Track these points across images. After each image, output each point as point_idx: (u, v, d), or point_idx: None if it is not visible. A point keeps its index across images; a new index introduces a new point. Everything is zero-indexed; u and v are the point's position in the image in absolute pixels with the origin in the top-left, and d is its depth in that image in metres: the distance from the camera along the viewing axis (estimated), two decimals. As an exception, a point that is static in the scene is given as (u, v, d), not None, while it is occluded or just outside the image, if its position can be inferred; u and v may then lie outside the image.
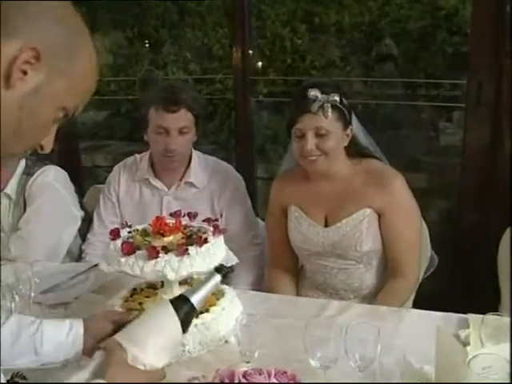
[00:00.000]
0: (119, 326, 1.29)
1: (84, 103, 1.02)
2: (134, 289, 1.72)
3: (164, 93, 2.32)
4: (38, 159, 2.65)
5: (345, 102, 2.04)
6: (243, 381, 1.15)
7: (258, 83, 4.43)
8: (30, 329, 1.28)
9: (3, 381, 1.02)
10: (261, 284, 2.44)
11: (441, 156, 4.14)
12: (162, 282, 1.67)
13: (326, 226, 2.12)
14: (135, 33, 5.05)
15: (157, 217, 1.62)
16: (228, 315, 1.58)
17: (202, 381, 1.26)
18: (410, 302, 2.19)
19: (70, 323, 1.31)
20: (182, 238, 1.59)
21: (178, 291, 1.62)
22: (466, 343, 1.57)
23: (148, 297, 1.68)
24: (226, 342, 1.58)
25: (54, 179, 2.53)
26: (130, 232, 1.66)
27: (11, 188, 2.50)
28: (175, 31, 4.93)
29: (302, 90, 2.02)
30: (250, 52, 3.34)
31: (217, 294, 1.66)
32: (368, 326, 1.38)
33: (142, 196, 2.51)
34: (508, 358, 1.14)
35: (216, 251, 1.57)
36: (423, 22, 4.08)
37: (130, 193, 2.53)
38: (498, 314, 1.45)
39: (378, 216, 2.07)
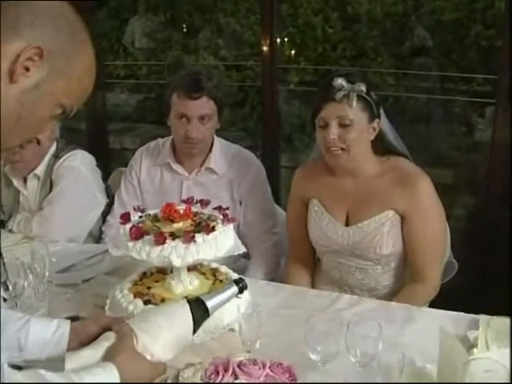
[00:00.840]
0: (106, 331, 1.29)
1: (80, 104, 1.07)
2: (144, 273, 1.74)
3: (187, 79, 2.31)
4: (67, 142, 2.70)
5: (373, 94, 2.00)
6: (237, 370, 1.15)
7: (289, 72, 4.42)
8: (16, 324, 1.29)
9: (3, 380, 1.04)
10: (276, 273, 2.44)
11: (470, 152, 4.05)
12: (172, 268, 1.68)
13: (347, 224, 2.07)
14: (168, 17, 5.06)
15: (167, 203, 1.63)
16: (233, 303, 1.58)
17: (198, 367, 1.27)
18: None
19: (57, 323, 1.31)
20: (191, 225, 1.60)
21: (186, 277, 1.64)
22: (474, 345, 1.54)
23: (157, 281, 1.69)
24: (232, 330, 1.58)
25: (80, 163, 2.57)
26: (140, 217, 1.67)
27: (41, 169, 2.56)
28: (208, 16, 4.92)
29: (329, 79, 1.97)
30: (278, 40, 3.32)
31: (225, 282, 1.66)
32: (371, 322, 1.37)
33: (163, 180, 2.53)
34: (506, 365, 1.11)
35: (224, 240, 1.57)
36: (458, 14, 3.97)
37: (151, 176, 2.54)
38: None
39: (400, 219, 2.00)
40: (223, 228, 1.59)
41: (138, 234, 1.51)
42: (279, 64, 3.53)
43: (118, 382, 1.10)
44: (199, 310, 1.30)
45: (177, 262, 1.49)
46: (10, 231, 2.52)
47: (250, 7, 4.70)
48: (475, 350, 1.50)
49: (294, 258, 2.28)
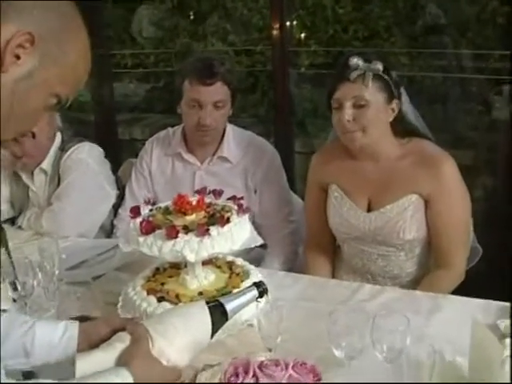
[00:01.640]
0: (118, 332, 1.22)
1: (76, 93, 1.02)
2: (157, 268, 1.67)
3: (199, 65, 2.23)
4: (74, 134, 2.64)
5: (393, 73, 1.91)
6: (258, 372, 1.08)
7: (299, 55, 4.32)
8: (21, 329, 1.22)
9: (3, 380, 0.98)
10: (295, 262, 2.39)
11: (488, 131, 3.93)
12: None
13: (369, 210, 1.99)
14: (175, 4, 4.97)
15: (179, 194, 1.55)
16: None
17: (216, 369, 1.20)
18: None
19: (64, 325, 1.25)
20: (204, 216, 1.52)
21: (201, 272, 1.58)
22: (505, 335, 1.46)
23: (171, 276, 1.63)
24: (251, 325, 1.51)
25: (87, 155, 2.51)
26: (151, 210, 1.61)
27: (47, 163, 2.51)
28: (215, 1, 4.83)
29: (345, 58, 1.89)
30: (288, 23, 3.23)
31: (241, 276, 1.59)
32: (397, 314, 1.29)
33: (174, 171, 2.46)
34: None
35: (239, 231, 1.50)
36: (473, -11, 3.86)
37: (162, 167, 2.48)
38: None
39: (424, 203, 1.93)
40: (238, 219, 1.52)
41: (148, 228, 1.44)
42: (290, 47, 3.44)
43: None
44: (218, 313, 1.22)
45: (191, 257, 1.42)
46: (20, 228, 2.47)
47: (258, -9, 4.60)
48: (507, 340, 1.42)
49: (312, 246, 2.21)
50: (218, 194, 1.67)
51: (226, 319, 1.24)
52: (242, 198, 1.63)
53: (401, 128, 1.96)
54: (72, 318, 1.37)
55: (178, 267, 1.66)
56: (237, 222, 1.50)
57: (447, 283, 1.94)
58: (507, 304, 1.61)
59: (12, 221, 2.57)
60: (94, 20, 3.90)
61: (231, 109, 2.31)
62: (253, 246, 1.55)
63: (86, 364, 1.11)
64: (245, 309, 1.44)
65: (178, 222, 1.50)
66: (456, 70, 3.93)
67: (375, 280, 2.05)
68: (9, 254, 1.84)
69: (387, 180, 1.96)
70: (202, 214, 1.55)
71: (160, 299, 1.49)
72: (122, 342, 1.15)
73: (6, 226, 2.47)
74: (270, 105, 4.32)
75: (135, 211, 1.57)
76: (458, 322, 1.52)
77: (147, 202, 1.65)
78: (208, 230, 1.43)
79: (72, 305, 1.71)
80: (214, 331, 1.21)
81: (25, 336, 1.21)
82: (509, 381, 1.07)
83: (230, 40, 4.75)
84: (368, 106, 1.85)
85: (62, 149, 2.51)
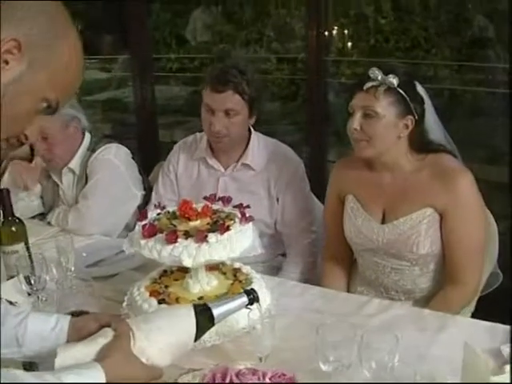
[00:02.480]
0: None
1: (67, 97, 1.02)
2: (165, 271, 1.71)
3: (215, 73, 2.27)
4: (104, 136, 2.71)
5: (418, 88, 1.89)
6: (234, 379, 1.10)
7: (340, 64, 4.30)
8: (15, 319, 1.27)
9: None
10: (313, 272, 2.38)
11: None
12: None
13: (383, 222, 1.98)
14: (219, 10, 5.03)
15: (183, 200, 1.58)
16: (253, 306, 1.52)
17: (197, 373, 1.22)
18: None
19: (56, 318, 1.30)
20: (208, 223, 1.55)
21: (204, 277, 1.60)
22: (508, 361, 1.42)
23: (177, 280, 1.65)
24: (248, 332, 1.52)
25: (114, 156, 2.58)
26: (159, 214, 1.64)
27: (75, 163, 2.59)
28: (259, 9, 4.86)
29: (369, 69, 1.90)
30: (327, 33, 3.22)
31: (244, 283, 1.61)
32: (387, 334, 1.28)
33: (200, 175, 2.49)
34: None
35: (240, 240, 1.51)
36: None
37: (188, 171, 2.51)
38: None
39: (439, 217, 1.90)
40: (240, 228, 1.53)
41: (150, 231, 1.48)
42: (328, 57, 3.44)
43: (104, 382, 1.07)
44: (204, 318, 1.24)
45: (188, 262, 1.45)
46: (49, 224, 2.56)
47: (300, -2, 4.61)
48: (507, 367, 1.39)
49: (329, 256, 2.20)
50: (226, 201, 1.69)
51: (213, 324, 1.26)
52: (247, 206, 1.64)
53: (420, 144, 1.93)
54: (71, 313, 1.42)
55: (185, 271, 1.68)
56: (238, 230, 1.51)
57: (459, 300, 1.91)
58: (513, 328, 1.58)
59: (43, 216, 2.67)
60: (139, 23, 4.01)
61: (250, 118, 2.32)
62: (252, 254, 1.56)
63: (67, 356, 1.15)
64: (242, 316, 1.47)
65: (182, 226, 1.53)
66: (499, 84, 3.83)
67: (388, 294, 2.03)
68: (28, 248, 1.92)
69: (403, 192, 1.94)
70: (207, 220, 1.57)
71: (160, 301, 1.52)
72: (104, 338, 1.18)
73: (35, 221, 2.59)
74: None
75: (143, 214, 1.61)
76: (461, 343, 1.48)
77: (157, 206, 1.69)
78: (206, 236, 1.45)
79: (84, 300, 1.77)
80: (200, 334, 1.23)
81: (18, 326, 1.26)
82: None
83: (273, 47, 4.77)
84: (377, 118, 1.85)
85: (91, 149, 2.58)
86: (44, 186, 2.69)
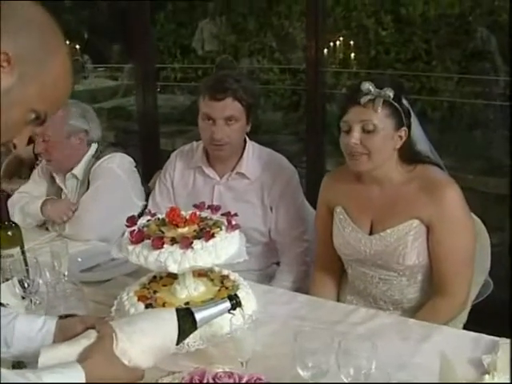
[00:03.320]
0: None
1: (56, 109, 1.05)
2: (154, 276, 1.74)
3: (212, 81, 2.31)
4: (110, 145, 2.75)
5: (405, 102, 1.93)
6: (211, 382, 1.13)
7: (341, 75, 4.34)
8: (3, 320, 1.30)
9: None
10: (305, 281, 2.40)
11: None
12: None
13: (371, 233, 2.01)
14: (223, 20, 5.09)
15: (171, 207, 1.62)
16: (236, 311, 1.55)
17: (177, 376, 1.25)
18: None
19: (43, 320, 1.33)
20: (195, 230, 1.58)
21: (191, 283, 1.63)
22: (487, 371, 1.44)
23: (165, 285, 1.69)
24: (233, 338, 1.55)
25: (117, 166, 2.61)
26: (148, 220, 1.67)
27: (79, 169, 2.63)
28: (262, 19, 4.91)
29: (358, 83, 1.91)
30: (329, 44, 3.27)
31: (230, 290, 1.64)
32: (367, 341, 1.31)
33: (196, 183, 2.52)
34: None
35: (225, 247, 1.54)
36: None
37: (184, 179, 2.54)
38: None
39: (426, 229, 1.92)
40: (225, 235, 1.56)
41: (138, 237, 1.51)
42: (328, 68, 3.49)
43: (83, 382, 1.10)
44: (187, 321, 1.28)
45: (173, 268, 1.48)
46: (47, 229, 2.60)
47: (302, 10, 4.64)
48: (486, 376, 1.41)
49: (320, 265, 2.23)
50: (214, 209, 1.73)
51: (196, 328, 1.29)
52: (235, 214, 1.67)
53: (408, 155, 1.96)
54: (60, 316, 1.46)
55: (174, 277, 1.71)
56: (223, 238, 1.55)
57: (447, 311, 1.93)
58: (497, 339, 1.59)
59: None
60: (143, 33, 4.06)
61: (247, 125, 2.35)
62: (236, 261, 1.59)
63: (50, 357, 1.19)
64: (226, 321, 1.50)
65: (170, 233, 1.57)
66: (497, 96, 3.85)
67: (377, 304, 2.06)
68: (23, 252, 1.96)
69: (391, 204, 1.96)
70: (195, 227, 1.61)
71: (147, 306, 1.56)
72: (87, 339, 1.22)
73: (33, 227, 2.62)
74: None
75: (131, 221, 1.64)
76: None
77: (147, 213, 1.73)
78: (191, 243, 1.49)
79: (76, 305, 1.80)
80: (182, 338, 1.26)
81: (6, 327, 1.29)
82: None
83: (275, 58, 4.82)
84: (376, 132, 1.86)
85: (97, 157, 2.62)
86: (49, 190, 2.72)
